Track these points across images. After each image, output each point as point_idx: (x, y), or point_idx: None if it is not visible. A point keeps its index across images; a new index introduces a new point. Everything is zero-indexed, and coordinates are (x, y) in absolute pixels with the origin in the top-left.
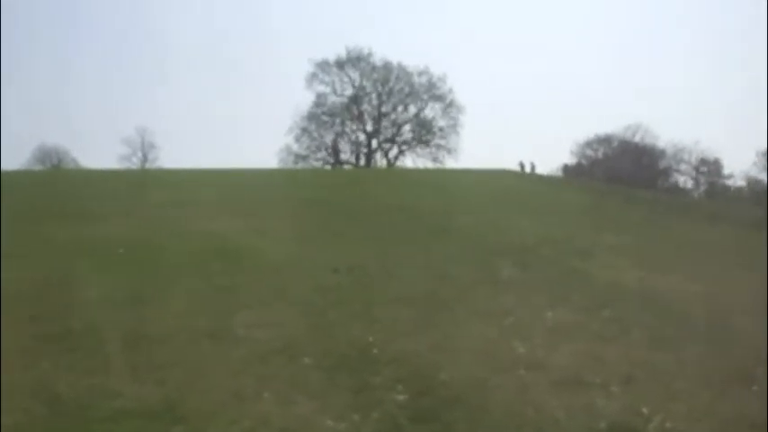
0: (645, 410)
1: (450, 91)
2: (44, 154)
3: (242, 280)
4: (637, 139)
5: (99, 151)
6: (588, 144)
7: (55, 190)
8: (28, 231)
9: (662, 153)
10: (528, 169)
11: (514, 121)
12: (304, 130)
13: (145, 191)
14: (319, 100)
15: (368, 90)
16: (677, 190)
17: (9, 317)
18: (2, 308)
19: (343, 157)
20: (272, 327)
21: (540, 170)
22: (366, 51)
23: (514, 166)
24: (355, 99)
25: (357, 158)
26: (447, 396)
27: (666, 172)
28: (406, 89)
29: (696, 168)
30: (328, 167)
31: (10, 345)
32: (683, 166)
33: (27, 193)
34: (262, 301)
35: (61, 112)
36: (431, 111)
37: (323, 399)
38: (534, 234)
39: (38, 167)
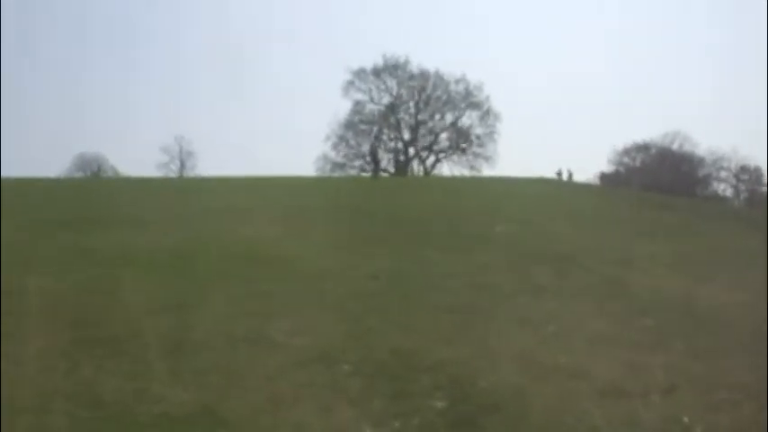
0: (686, 420)
1: (488, 99)
2: (84, 162)
3: (281, 286)
4: (675, 146)
5: (138, 159)
6: (626, 152)
7: (95, 197)
8: (69, 238)
9: (701, 161)
10: (565, 177)
11: (551, 129)
12: (341, 138)
13: (184, 198)
14: (356, 108)
15: (405, 98)
16: (717, 198)
17: (51, 323)
18: (44, 314)
19: (380, 164)
20: (311, 333)
21: (577, 178)
22: (403, 59)
23: (551, 174)
24: (392, 107)
25: (397, 166)
26: (486, 403)
27: (706, 180)
28: (444, 97)
29: (736, 176)
30: (365, 175)
31: (52, 350)
32: (722, 174)
33: (68, 200)
34: (300, 307)
35: (100, 119)
36: (468, 119)
37: (362, 405)
38: (573, 242)
39: (78, 175)
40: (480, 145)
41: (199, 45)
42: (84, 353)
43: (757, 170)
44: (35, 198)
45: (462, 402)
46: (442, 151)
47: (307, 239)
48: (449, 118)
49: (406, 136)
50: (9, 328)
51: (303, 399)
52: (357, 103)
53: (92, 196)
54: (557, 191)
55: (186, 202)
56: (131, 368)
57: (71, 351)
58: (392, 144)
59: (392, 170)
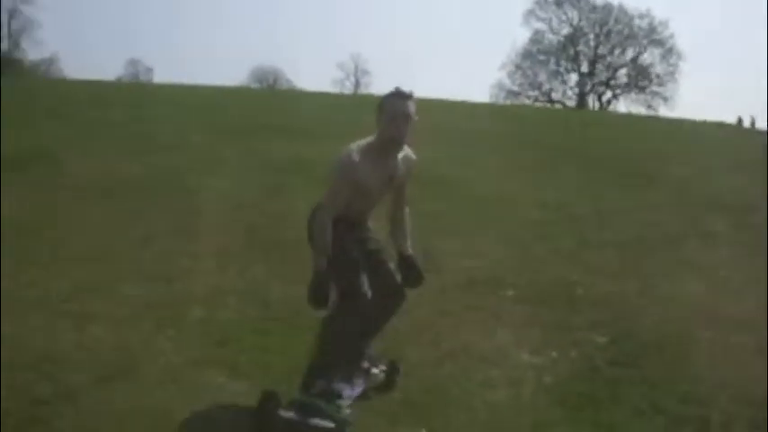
0: None
1: (672, 36)
2: (261, 74)
3: (446, 207)
4: None
5: (313, 75)
6: None
7: (271, 108)
8: (245, 145)
9: None
10: (747, 124)
11: (740, 74)
12: (518, 66)
13: (357, 114)
14: (535, 37)
15: (585, 30)
16: None
17: (229, 225)
18: (220, 215)
19: (555, 96)
20: (477, 256)
21: (760, 125)
22: None
23: (732, 120)
24: (572, 39)
25: (580, 99)
26: (648, 343)
27: None
28: (625, 32)
29: None
30: (539, 105)
31: (226, 250)
32: None
33: (246, 109)
34: (466, 230)
35: (279, 35)
36: (649, 56)
37: (522, 332)
38: (748, 191)
39: (255, 86)
40: (660, 84)
41: None
42: (256, 256)
43: None
44: (217, 106)
45: (624, 339)
46: (619, 87)
47: (476, 164)
48: (629, 54)
49: (584, 69)
50: (187, 226)
51: (467, 319)
52: (536, 32)
53: (268, 106)
54: (736, 138)
55: (359, 118)
56: (299, 273)
57: (244, 252)
58: (569, 77)
59: (569, 103)
